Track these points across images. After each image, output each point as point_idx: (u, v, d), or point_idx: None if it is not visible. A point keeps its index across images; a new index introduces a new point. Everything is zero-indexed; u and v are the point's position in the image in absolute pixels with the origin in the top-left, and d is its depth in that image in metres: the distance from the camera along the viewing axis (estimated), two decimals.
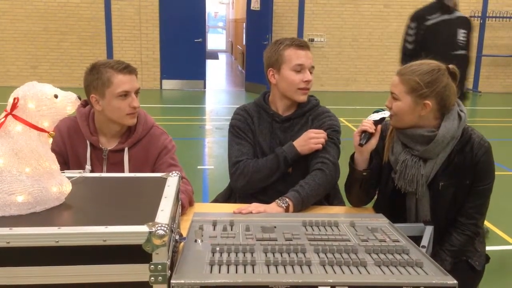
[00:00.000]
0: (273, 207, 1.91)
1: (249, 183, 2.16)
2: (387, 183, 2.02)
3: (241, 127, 2.24)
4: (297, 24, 11.11)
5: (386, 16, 11.29)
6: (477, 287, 2.05)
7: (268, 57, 2.22)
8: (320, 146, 2.11)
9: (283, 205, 1.92)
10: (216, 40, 26.64)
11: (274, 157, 2.14)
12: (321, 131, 2.14)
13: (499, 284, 2.95)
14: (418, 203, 1.95)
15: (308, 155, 2.16)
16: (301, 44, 2.17)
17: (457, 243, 1.90)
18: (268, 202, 2.02)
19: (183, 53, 10.77)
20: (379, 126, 1.95)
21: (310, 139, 2.12)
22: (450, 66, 1.90)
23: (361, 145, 1.91)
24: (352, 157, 2.00)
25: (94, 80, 1.99)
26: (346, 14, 11.23)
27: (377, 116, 1.95)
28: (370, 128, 1.91)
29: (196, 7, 10.82)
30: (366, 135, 1.91)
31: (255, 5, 10.41)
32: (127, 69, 2.00)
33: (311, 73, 2.17)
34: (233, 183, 2.23)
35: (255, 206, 1.86)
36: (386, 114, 1.95)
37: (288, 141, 2.18)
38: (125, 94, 2.00)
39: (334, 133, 2.18)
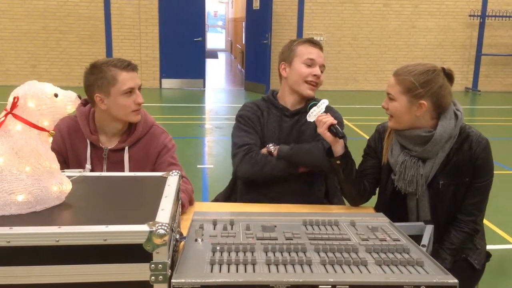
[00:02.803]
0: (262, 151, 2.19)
1: (255, 170, 2.16)
2: (387, 184, 2.03)
3: (250, 117, 2.26)
4: (296, 23, 11.11)
5: (385, 15, 11.29)
6: (476, 286, 2.06)
7: (282, 53, 2.31)
8: None
9: (270, 148, 2.16)
10: (215, 39, 26.64)
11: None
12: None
13: (499, 283, 2.96)
14: (419, 203, 1.95)
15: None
16: (314, 41, 2.28)
17: (456, 241, 1.91)
18: (270, 196, 2.09)
19: (182, 52, 10.76)
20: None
21: None
22: (446, 67, 1.91)
23: (343, 137, 1.97)
24: (328, 154, 2.03)
25: (98, 79, 1.99)
26: (345, 13, 11.23)
27: (323, 107, 2.03)
28: (333, 120, 1.98)
29: (196, 6, 10.81)
30: (336, 127, 1.96)
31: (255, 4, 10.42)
32: (130, 66, 2.02)
33: (321, 72, 2.23)
34: (239, 164, 2.19)
35: None
36: (325, 102, 2.05)
37: (296, 135, 2.23)
38: (130, 91, 2.01)
39: (340, 126, 2.19)
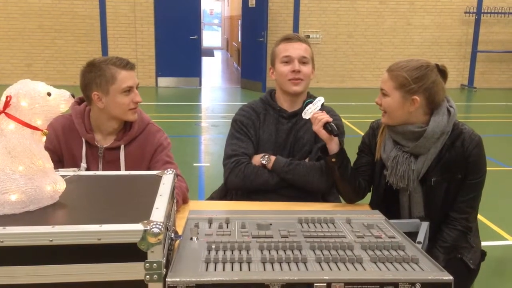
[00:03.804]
0: (256, 158, 2.16)
1: (245, 183, 2.15)
2: (380, 180, 2.03)
3: (244, 123, 2.24)
4: (292, 21, 11.10)
5: (381, 13, 11.30)
6: (472, 285, 2.05)
7: (270, 57, 2.32)
8: None
9: (263, 161, 2.12)
10: (211, 37, 26.58)
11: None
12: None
13: (495, 279, 2.96)
14: (411, 199, 1.95)
15: (312, 154, 2.18)
16: (289, 37, 2.24)
17: (449, 239, 1.90)
18: (264, 200, 2.06)
19: (178, 50, 10.74)
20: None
21: None
22: (440, 63, 1.91)
23: (337, 134, 1.96)
24: (322, 152, 2.02)
25: (97, 77, 1.98)
26: (341, 10, 11.23)
27: (319, 105, 2.02)
28: (328, 117, 1.97)
29: (191, 4, 10.78)
30: (331, 124, 1.95)
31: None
32: (129, 65, 2.03)
33: (304, 63, 2.18)
34: (228, 177, 2.18)
35: None
36: (321, 99, 2.04)
37: (293, 136, 2.20)
38: (129, 90, 2.01)
39: (339, 135, 2.17)
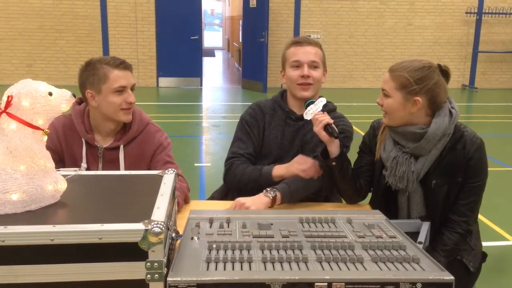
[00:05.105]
0: (260, 197, 1.95)
1: (239, 183, 2.17)
2: (379, 180, 2.01)
3: (249, 122, 2.25)
4: (293, 21, 11.10)
5: (382, 13, 11.30)
6: (473, 287, 2.02)
7: (281, 60, 2.29)
8: (304, 173, 2.02)
9: (270, 195, 1.96)
10: (212, 37, 26.60)
11: (258, 174, 2.14)
12: (308, 159, 2.05)
13: (495, 279, 2.96)
14: (410, 200, 1.94)
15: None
16: (299, 40, 2.21)
17: (449, 242, 1.88)
18: None
19: (179, 50, 10.74)
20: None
21: (294, 163, 2.07)
22: (442, 64, 1.90)
23: (337, 137, 1.93)
24: (322, 155, 2.00)
25: (90, 76, 1.99)
26: (342, 11, 11.23)
27: (320, 105, 1.99)
28: (329, 119, 1.94)
29: (192, 4, 10.79)
30: (332, 126, 1.92)
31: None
32: (123, 64, 2.02)
33: (314, 67, 2.16)
34: (224, 178, 2.26)
35: (240, 204, 1.90)
36: (323, 100, 2.01)
37: (299, 140, 2.20)
38: (122, 90, 2.00)
39: (345, 139, 2.16)
